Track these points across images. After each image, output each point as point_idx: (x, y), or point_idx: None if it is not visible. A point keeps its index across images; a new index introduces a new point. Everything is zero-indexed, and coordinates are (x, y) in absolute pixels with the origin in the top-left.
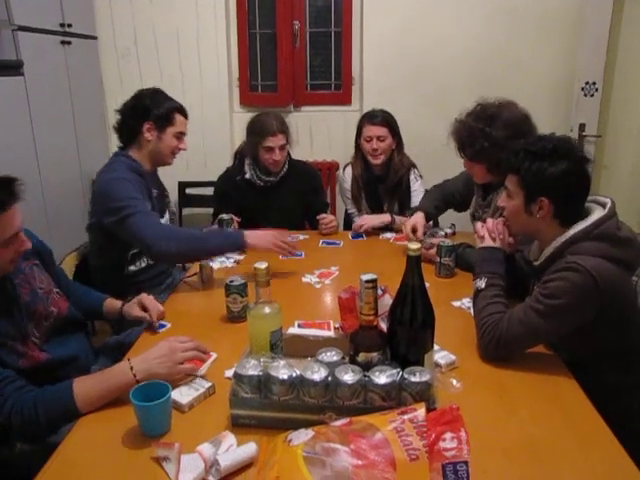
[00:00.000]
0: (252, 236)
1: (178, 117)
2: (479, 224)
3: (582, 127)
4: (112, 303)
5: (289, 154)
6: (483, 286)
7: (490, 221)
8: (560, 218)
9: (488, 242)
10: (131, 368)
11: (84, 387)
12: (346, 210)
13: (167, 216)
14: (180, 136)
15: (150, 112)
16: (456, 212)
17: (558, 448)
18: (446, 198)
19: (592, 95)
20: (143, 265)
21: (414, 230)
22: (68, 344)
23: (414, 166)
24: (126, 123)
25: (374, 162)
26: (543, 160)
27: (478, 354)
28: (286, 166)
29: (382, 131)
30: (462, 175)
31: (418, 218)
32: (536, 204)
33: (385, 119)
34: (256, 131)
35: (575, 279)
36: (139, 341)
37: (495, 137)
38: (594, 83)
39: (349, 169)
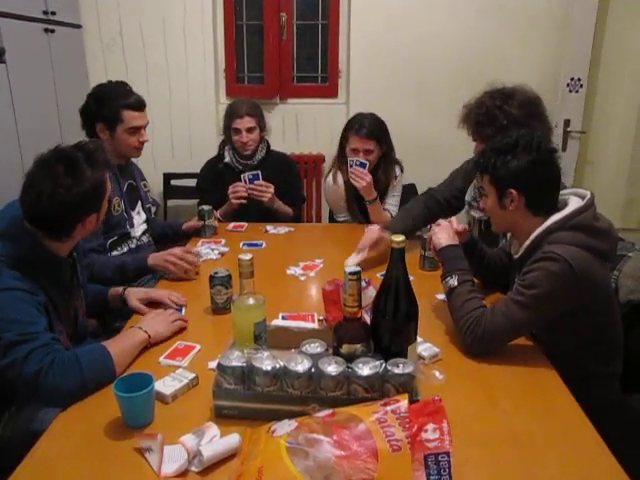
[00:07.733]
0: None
1: (127, 113)
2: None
3: (567, 123)
4: (115, 291)
5: (268, 144)
6: (456, 283)
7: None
8: (532, 208)
9: (446, 241)
10: (140, 328)
11: (114, 348)
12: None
13: (139, 207)
14: (134, 131)
15: (96, 114)
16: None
17: (538, 438)
18: (424, 215)
19: (577, 91)
20: (125, 250)
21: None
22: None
23: (398, 163)
24: (84, 125)
25: None
26: (507, 154)
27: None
28: (263, 152)
29: (369, 144)
30: (452, 176)
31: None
32: (507, 197)
33: (373, 131)
34: (227, 114)
35: (552, 267)
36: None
37: (514, 115)
38: (579, 79)
39: (340, 179)
